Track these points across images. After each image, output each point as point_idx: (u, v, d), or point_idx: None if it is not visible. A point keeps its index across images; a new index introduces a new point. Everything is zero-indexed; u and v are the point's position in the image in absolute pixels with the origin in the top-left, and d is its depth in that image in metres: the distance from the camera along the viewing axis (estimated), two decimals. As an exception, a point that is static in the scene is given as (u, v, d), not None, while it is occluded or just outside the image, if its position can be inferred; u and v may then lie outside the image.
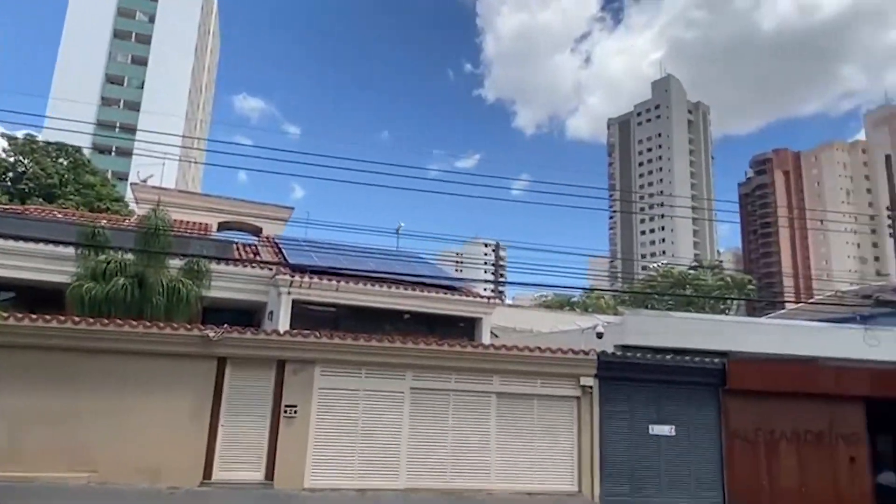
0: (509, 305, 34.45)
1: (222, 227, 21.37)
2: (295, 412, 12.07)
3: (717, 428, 14.33)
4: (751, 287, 50.11)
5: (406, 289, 16.17)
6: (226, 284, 15.79)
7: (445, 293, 16.71)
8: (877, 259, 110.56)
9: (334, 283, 15.71)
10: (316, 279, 15.68)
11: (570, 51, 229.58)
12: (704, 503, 13.70)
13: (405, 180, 13.08)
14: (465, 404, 13.19)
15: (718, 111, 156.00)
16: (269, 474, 11.77)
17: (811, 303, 32.15)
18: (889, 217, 14.32)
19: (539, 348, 13.59)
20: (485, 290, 35.50)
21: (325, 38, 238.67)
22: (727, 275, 53.60)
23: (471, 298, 16.93)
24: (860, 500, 14.26)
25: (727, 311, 47.72)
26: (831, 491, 14.25)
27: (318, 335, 12.41)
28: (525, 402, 13.53)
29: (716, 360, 14.59)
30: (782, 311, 37.52)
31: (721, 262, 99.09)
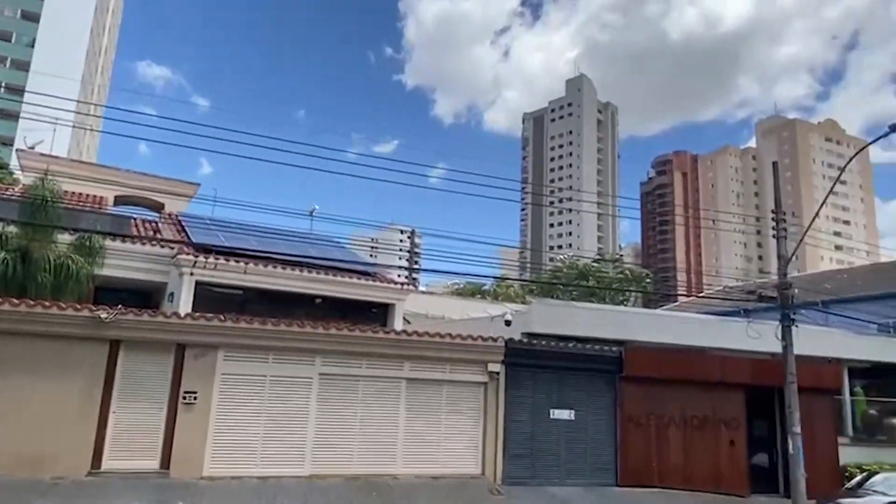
0: (423, 292, 34.58)
1: (119, 201, 19.95)
2: (195, 398, 11.54)
3: (613, 412, 15.10)
4: (648, 280, 53.00)
5: (318, 273, 15.80)
6: (122, 262, 14.78)
7: (359, 278, 16.49)
8: (760, 258, 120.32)
9: (242, 264, 15.09)
10: (222, 260, 15.00)
11: (490, 43, 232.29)
12: (599, 483, 14.41)
13: (321, 162, 12.72)
14: (375, 390, 13.13)
15: (626, 112, 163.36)
16: (165, 463, 11.20)
17: (701, 296, 34.54)
18: (773, 220, 15.48)
19: (450, 335, 13.72)
20: (399, 276, 35.38)
21: (240, 11, 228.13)
22: (627, 268, 56.37)
23: (384, 284, 16.81)
24: (737, 479, 15.49)
25: (626, 303, 50.28)
26: (712, 471, 15.39)
27: (222, 319, 11.90)
28: (434, 387, 13.65)
29: (614, 349, 15.34)
30: (675, 303, 40.09)
31: (622, 255, 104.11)
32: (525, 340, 14.99)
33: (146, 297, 16.16)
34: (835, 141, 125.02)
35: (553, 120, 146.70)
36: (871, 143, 17.26)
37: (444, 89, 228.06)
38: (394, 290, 16.81)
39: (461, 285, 47.77)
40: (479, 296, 42.26)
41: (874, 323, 24.15)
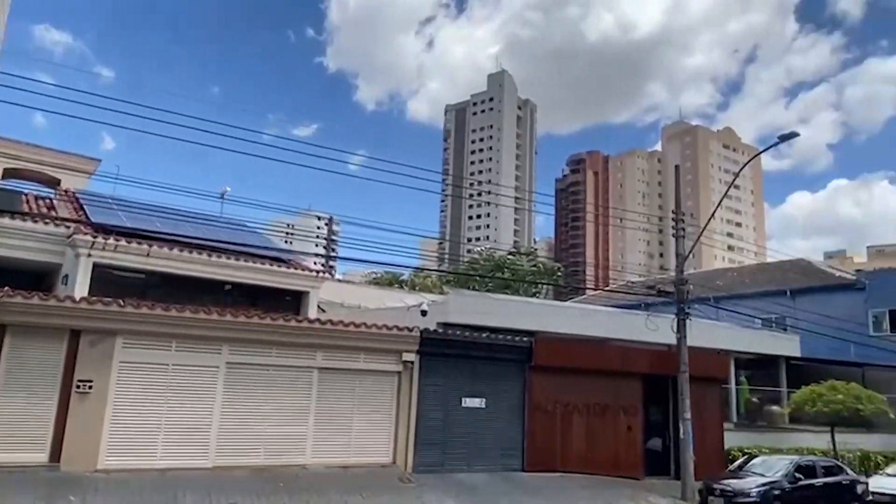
0: (339, 281, 34.06)
1: (9, 174, 18.31)
2: (89, 387, 10.83)
3: (522, 400, 15.55)
4: (559, 274, 54.89)
5: (228, 258, 15.19)
6: (9, 241, 13.58)
7: (271, 265, 16.00)
8: (661, 255, 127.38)
9: (145, 247, 14.25)
10: (123, 242, 14.09)
11: (415, 32, 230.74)
12: (506, 469, 14.82)
13: (234, 142, 12.17)
14: (286, 379, 12.83)
15: (544, 110, 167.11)
16: (56, 455, 10.46)
17: (607, 290, 36.14)
18: (673, 220, 16.41)
19: (365, 324, 13.61)
20: (315, 263, 34.65)
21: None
22: (540, 261, 58.03)
23: (298, 272, 16.41)
24: (633, 462, 16.39)
25: (538, 295, 51.82)
26: (611, 455, 16.19)
27: (121, 304, 11.21)
28: (347, 377, 13.51)
29: (525, 339, 15.77)
30: (584, 296, 41.78)
31: (536, 249, 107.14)
32: (440, 330, 15.13)
33: (38, 279, 14.94)
34: (731, 148, 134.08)
35: (475, 113, 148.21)
36: (762, 152, 18.64)
37: (367, 75, 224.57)
38: (308, 278, 16.45)
39: (379, 275, 47.47)
40: (396, 286, 42.16)
41: (758, 318, 26.23)
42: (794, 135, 15.09)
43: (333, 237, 33.16)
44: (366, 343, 13.59)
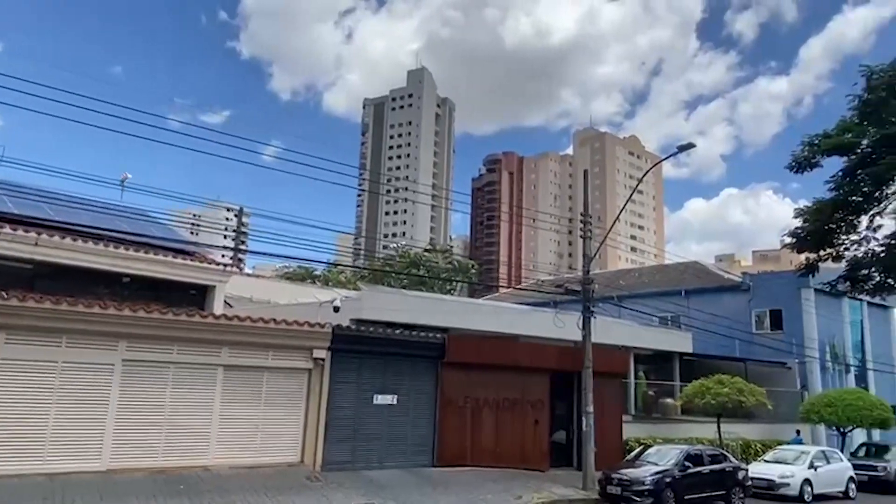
0: (249, 275, 32.90)
1: None
2: (-38, 388, 9.85)
3: (434, 396, 15.68)
4: (473, 271, 55.75)
5: (127, 249, 14.26)
6: None
7: (175, 257, 15.19)
8: (570, 255, 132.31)
9: (33, 235, 13.13)
10: (8, 229, 12.91)
11: (334, 23, 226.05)
12: (417, 465, 14.89)
13: (136, 126, 11.41)
14: (188, 377, 12.25)
15: (463, 109, 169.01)
16: (-82, 464, 9.44)
17: (518, 288, 37.10)
18: (581, 222, 17.04)
19: (274, 320, 13.22)
20: (223, 256, 33.29)
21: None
22: (455, 259, 58.74)
23: (203, 264, 15.67)
24: (540, 455, 16.93)
25: (452, 292, 52.43)
26: (519, 448, 16.65)
27: (4, 296, 10.28)
28: (254, 374, 13.09)
29: (438, 336, 15.89)
30: (496, 293, 42.68)
31: (451, 247, 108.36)
32: (353, 327, 14.94)
33: None
34: (636, 155, 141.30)
35: (393, 109, 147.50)
36: (662, 161, 19.74)
37: (283, 63, 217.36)
38: (214, 272, 15.74)
39: (291, 269, 46.27)
40: (309, 281, 41.28)
41: (656, 316, 27.82)
42: (690, 146, 16.07)
43: (243, 230, 31.96)
44: (274, 339, 13.21)
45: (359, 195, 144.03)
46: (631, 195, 21.62)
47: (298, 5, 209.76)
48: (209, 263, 15.89)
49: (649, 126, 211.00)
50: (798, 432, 24.15)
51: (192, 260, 15.46)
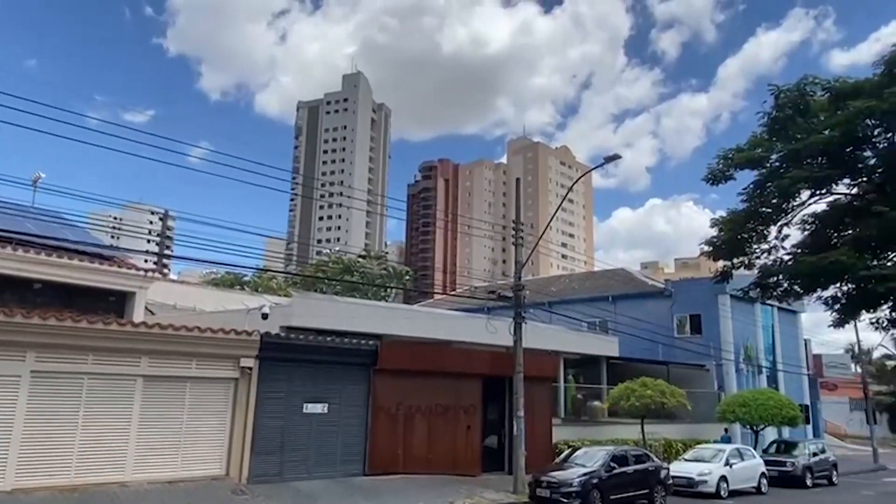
0: (173, 281, 31.64)
1: None
2: None
3: (366, 404, 15.51)
4: (408, 277, 55.68)
5: (38, 253, 13.40)
6: None
7: (91, 262, 14.40)
8: (504, 262, 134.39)
9: (-72, 238, 12.14)
10: None
11: (267, 24, 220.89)
12: (347, 474, 14.67)
13: (52, 124, 10.72)
14: (104, 389, 11.62)
15: (399, 115, 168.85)
16: None
17: (452, 295, 37.33)
18: (514, 229, 17.35)
19: (198, 328, 12.75)
20: (146, 261, 31.84)
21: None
22: (390, 265, 58.45)
23: (122, 270, 14.93)
24: (471, 460, 17.04)
25: (387, 298, 52.12)
26: (451, 454, 16.69)
27: None
28: (177, 385, 12.56)
29: (370, 342, 15.75)
30: (431, 300, 42.79)
31: (387, 253, 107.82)
32: (282, 334, 14.60)
33: None
34: (567, 165, 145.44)
35: (328, 113, 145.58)
36: (591, 171, 20.45)
37: (213, 62, 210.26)
38: (134, 277, 15.02)
39: (219, 275, 44.73)
40: (238, 287, 40.04)
41: (585, 321, 28.67)
42: (617, 157, 16.73)
43: (168, 234, 30.68)
44: (199, 348, 12.74)
45: (292, 200, 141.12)
46: (561, 203, 22.22)
47: (230, 4, 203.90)
48: (129, 269, 15.15)
49: (580, 137, 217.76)
50: (726, 430, 25.46)
51: (110, 265, 14.70)
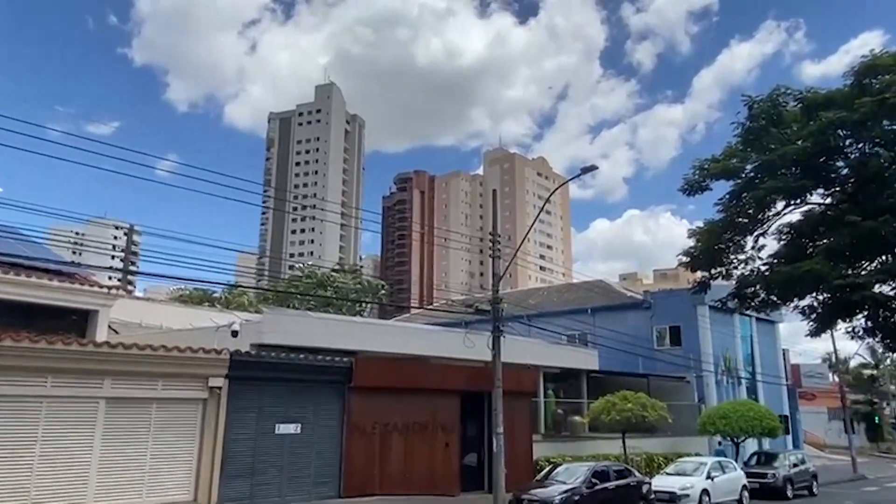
0: (139, 298, 31.01)
1: None
2: None
3: (341, 424, 15.31)
4: (383, 292, 55.41)
5: (-7, 271, 13.04)
6: None
7: (51, 279, 14.04)
8: (482, 274, 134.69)
9: None
10: None
11: (237, 34, 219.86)
12: (321, 496, 14.43)
13: (11, 136, 10.47)
14: (64, 412, 11.29)
15: (373, 127, 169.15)
16: None
17: (429, 309, 37.25)
18: (491, 241, 17.39)
19: (164, 347, 12.48)
20: (109, 278, 31.23)
21: None
22: (365, 279, 58.17)
23: (84, 287, 14.58)
24: (450, 479, 16.90)
25: (362, 313, 51.77)
26: (429, 474, 16.54)
27: None
28: (142, 407, 12.27)
29: (344, 359, 15.59)
30: (407, 314, 42.63)
31: (361, 267, 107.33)
32: (253, 352, 14.38)
33: None
34: (544, 176, 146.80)
35: (300, 124, 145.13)
36: (567, 182, 20.69)
37: (180, 73, 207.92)
38: (97, 295, 14.69)
39: (187, 292, 44.04)
40: (207, 304, 39.43)
41: (564, 335, 28.79)
42: (593, 168, 16.91)
43: (134, 249, 30.13)
44: (165, 368, 12.48)
45: (263, 213, 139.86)
46: (538, 214, 22.40)
47: (198, 13, 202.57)
48: (91, 286, 14.81)
49: (556, 148, 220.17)
50: (720, 443, 25.68)
51: (71, 282, 14.35)
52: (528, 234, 20.44)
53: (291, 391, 14.50)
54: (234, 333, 15.71)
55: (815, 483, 23.32)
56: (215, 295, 45.62)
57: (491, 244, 17.30)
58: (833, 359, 39.98)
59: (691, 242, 16.48)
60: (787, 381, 37.57)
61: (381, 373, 16.22)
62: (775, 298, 16.01)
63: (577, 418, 24.06)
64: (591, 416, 22.35)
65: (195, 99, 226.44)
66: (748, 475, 20.95)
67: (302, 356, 14.93)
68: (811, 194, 15.23)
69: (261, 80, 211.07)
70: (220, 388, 13.21)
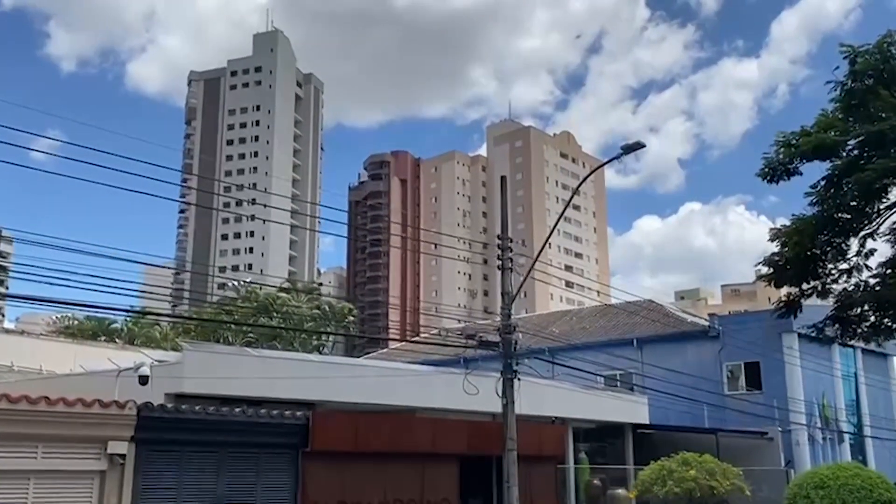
0: (8, 331, 30.99)
1: None
2: None
3: (294, 502, 15.25)
4: (352, 318, 55.46)
5: None
6: None
7: None
8: (486, 294, 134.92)
9: None
10: None
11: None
12: None
13: None
14: None
15: (335, 91, 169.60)
16: None
17: (414, 341, 37.21)
18: (499, 248, 17.37)
19: (45, 398, 12.47)
20: (-32, 304, 31.08)
21: None
22: (326, 301, 58.19)
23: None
24: (444, 576, 16.87)
25: (322, 348, 51.73)
26: (415, 570, 16.50)
27: None
28: (13, 482, 12.21)
29: (298, 414, 15.57)
30: (384, 350, 42.61)
31: (320, 284, 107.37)
32: (170, 406, 14.35)
33: None
34: (570, 158, 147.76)
35: (234, 87, 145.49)
36: (603, 165, 20.82)
37: (65, 19, 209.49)
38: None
39: (77, 321, 43.98)
40: (104, 338, 39.33)
41: (601, 375, 28.78)
42: (639, 145, 16.99)
43: (1, 262, 30.14)
44: (46, 429, 12.49)
45: (182, 211, 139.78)
46: (564, 211, 22.49)
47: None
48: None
49: (587, 120, 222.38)
50: None
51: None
52: (549, 237, 20.48)
53: (224, 459, 14.53)
54: (143, 380, 15.67)
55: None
56: (115, 326, 45.56)
57: (499, 252, 17.30)
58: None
59: (774, 247, 16.56)
60: (905, 435, 37.72)
61: (349, 432, 16.25)
62: (890, 322, 16.10)
63: (620, 491, 24.06)
64: (638, 489, 22.33)
65: (86, 54, 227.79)
66: (856, 567, 20.95)
67: (238, 410, 14.94)
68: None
69: (177, 28, 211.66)
70: (123, 455, 13.22)
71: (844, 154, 15.52)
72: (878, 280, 16.04)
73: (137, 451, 13.42)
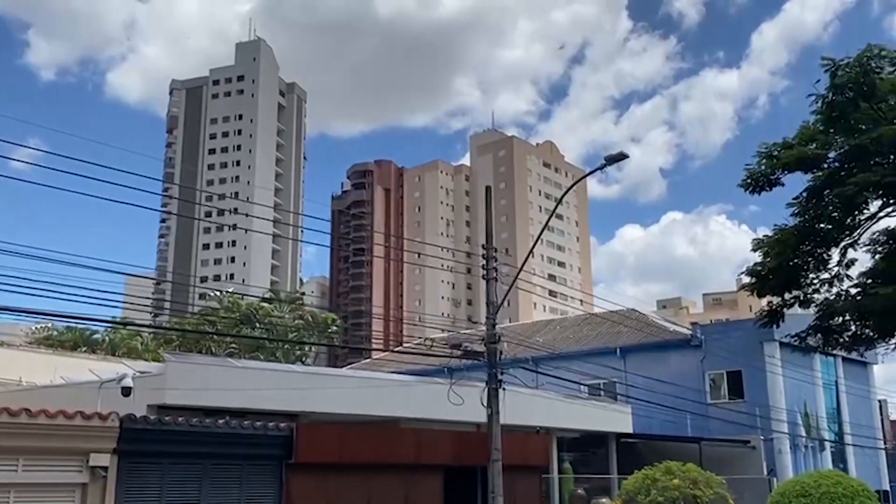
0: (-13, 341, 30.63)
1: None
2: None
3: (278, 515, 15.21)
4: (335, 328, 55.29)
5: None
6: None
7: None
8: (470, 303, 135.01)
9: None
10: None
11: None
12: None
13: None
14: None
15: (318, 100, 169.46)
16: None
17: (398, 351, 37.16)
18: (483, 257, 17.41)
19: (26, 411, 12.32)
20: (-54, 314, 30.75)
21: None
22: (309, 311, 58.01)
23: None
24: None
25: (305, 358, 51.53)
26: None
27: None
28: (-7, 496, 12.05)
29: (282, 425, 15.51)
30: (368, 360, 42.52)
31: (303, 294, 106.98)
32: (152, 417, 14.26)
33: None
34: (553, 168, 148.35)
35: (216, 96, 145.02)
36: (587, 176, 20.88)
37: (45, 29, 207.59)
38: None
39: (55, 332, 43.60)
40: (84, 349, 38.99)
41: (585, 384, 28.84)
42: (622, 156, 17.03)
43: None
44: (27, 441, 12.34)
45: (163, 221, 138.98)
46: (548, 220, 22.55)
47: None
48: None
49: (569, 129, 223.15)
50: None
51: None
52: (533, 246, 20.53)
53: (207, 471, 14.42)
54: (126, 391, 15.62)
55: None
56: (96, 336, 45.16)
57: (483, 261, 17.33)
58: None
59: (757, 257, 16.72)
60: (884, 442, 38.03)
61: (333, 443, 16.20)
62: (870, 332, 16.29)
63: (604, 500, 24.11)
64: (622, 498, 22.37)
65: (65, 62, 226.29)
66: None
67: (221, 421, 14.86)
68: (918, 190, 15.57)
69: (158, 37, 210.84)
70: (105, 468, 13.08)
71: (826, 166, 15.72)
72: (859, 290, 16.22)
73: (120, 463, 13.28)
